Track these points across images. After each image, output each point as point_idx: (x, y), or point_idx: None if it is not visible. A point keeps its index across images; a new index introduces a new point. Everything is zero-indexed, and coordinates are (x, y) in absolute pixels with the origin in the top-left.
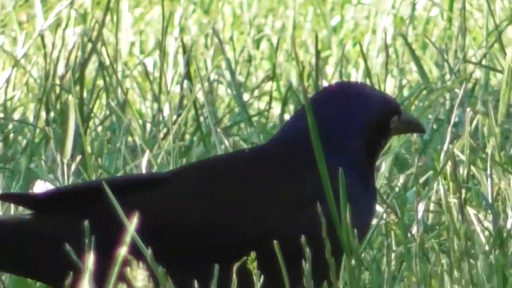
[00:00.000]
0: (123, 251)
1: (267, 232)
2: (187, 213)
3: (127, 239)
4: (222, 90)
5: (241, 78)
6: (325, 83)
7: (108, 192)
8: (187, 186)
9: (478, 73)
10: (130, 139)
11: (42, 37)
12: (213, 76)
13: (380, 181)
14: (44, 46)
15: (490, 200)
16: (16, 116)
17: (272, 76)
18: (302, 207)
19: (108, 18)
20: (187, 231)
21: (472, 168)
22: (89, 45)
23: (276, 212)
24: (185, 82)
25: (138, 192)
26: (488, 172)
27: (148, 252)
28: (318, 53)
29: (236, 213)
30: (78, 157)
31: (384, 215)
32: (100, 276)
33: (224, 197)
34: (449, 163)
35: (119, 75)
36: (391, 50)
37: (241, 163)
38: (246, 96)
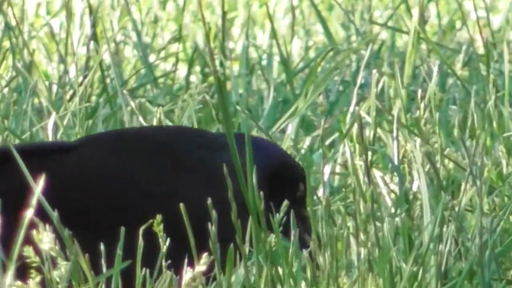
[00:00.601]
0: (29, 213)
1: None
2: (94, 178)
3: (34, 201)
4: (129, 51)
5: (147, 40)
6: (231, 45)
7: (16, 155)
8: (96, 153)
9: (384, 35)
10: (36, 100)
11: None
12: (119, 37)
13: (286, 143)
14: None
15: (396, 163)
16: None
17: (179, 37)
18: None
19: None
20: (92, 196)
21: (378, 130)
22: None
23: (185, 184)
24: (92, 43)
25: (45, 157)
26: (394, 134)
27: (55, 215)
28: (224, 14)
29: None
30: None
31: None
32: (6, 239)
33: (131, 164)
34: (355, 125)
35: (25, 36)
36: (297, 11)
37: (153, 134)
38: (152, 58)
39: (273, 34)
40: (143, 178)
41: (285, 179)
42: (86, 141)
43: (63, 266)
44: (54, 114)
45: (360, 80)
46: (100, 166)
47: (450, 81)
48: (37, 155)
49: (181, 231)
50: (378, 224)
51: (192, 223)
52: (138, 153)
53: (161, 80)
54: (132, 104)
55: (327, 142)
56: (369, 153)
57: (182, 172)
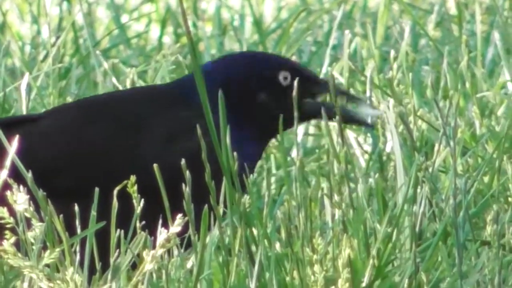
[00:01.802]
0: (3, 174)
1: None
2: (60, 144)
3: (8, 162)
4: (101, 12)
5: (120, 0)
6: (204, 5)
7: None
8: (61, 120)
9: None
10: (9, 61)
11: None
12: None
13: None
14: None
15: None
16: None
17: None
18: (175, 139)
19: None
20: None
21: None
22: None
23: (149, 144)
24: (64, 3)
25: (13, 127)
26: (367, 94)
27: (29, 176)
28: None
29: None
30: None
31: None
32: None
33: (96, 129)
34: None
35: None
36: None
37: (121, 100)
38: (125, 18)
39: None
40: (103, 141)
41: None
42: (50, 112)
43: (38, 227)
44: (27, 74)
45: (332, 40)
46: (63, 133)
47: (423, 41)
48: (4, 125)
49: (151, 191)
50: (352, 185)
51: (157, 182)
52: (96, 119)
53: (134, 40)
54: (105, 64)
55: None
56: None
57: (139, 133)
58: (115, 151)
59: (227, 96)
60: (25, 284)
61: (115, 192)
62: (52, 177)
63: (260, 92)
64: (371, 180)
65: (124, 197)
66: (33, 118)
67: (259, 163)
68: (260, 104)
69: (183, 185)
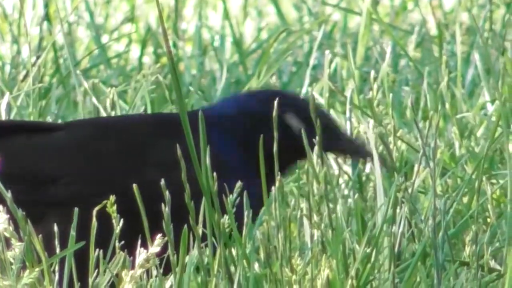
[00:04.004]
0: None
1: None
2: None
3: None
4: (82, 32)
5: (100, 20)
6: (184, 25)
7: None
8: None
9: (337, 16)
10: None
11: None
12: (72, 17)
13: None
14: None
15: None
16: None
17: (131, 18)
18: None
19: None
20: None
21: (331, 111)
22: None
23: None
24: (44, 23)
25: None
26: (347, 115)
27: (8, 196)
28: None
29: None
30: None
31: None
32: None
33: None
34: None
35: None
36: None
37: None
38: (105, 38)
39: (226, 15)
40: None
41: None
42: (68, 124)
43: (17, 247)
44: (7, 94)
45: (312, 61)
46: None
47: (403, 62)
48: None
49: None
50: (331, 205)
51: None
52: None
53: (114, 60)
54: (86, 84)
55: None
56: None
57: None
58: (118, 171)
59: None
60: None
61: (95, 212)
62: (53, 185)
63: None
64: (350, 200)
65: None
66: (50, 127)
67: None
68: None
69: (163, 206)
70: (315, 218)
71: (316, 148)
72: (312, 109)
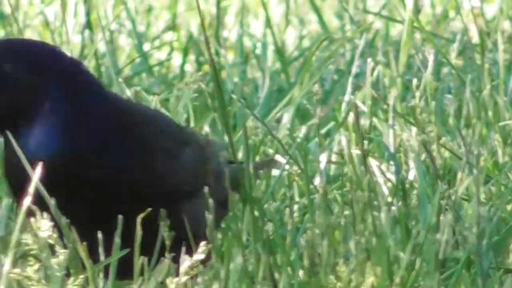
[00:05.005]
0: (27, 201)
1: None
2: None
3: (31, 189)
4: (123, 40)
5: (141, 28)
6: (225, 33)
7: (13, 141)
8: None
9: (378, 24)
10: None
11: None
12: (113, 25)
13: (282, 132)
14: None
15: (392, 151)
16: None
17: (173, 26)
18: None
19: None
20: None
21: (374, 119)
22: None
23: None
24: (86, 31)
25: None
26: (390, 123)
27: (52, 203)
28: (218, 2)
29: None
30: None
31: (287, 166)
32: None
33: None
34: (351, 113)
35: (20, 24)
36: (291, 0)
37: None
38: (147, 46)
39: (267, 23)
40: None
41: None
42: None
43: (62, 254)
44: None
45: (355, 69)
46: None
47: (445, 70)
48: None
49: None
50: (375, 213)
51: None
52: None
53: (156, 68)
54: (128, 92)
55: (323, 131)
56: (365, 142)
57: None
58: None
59: None
60: None
61: (139, 220)
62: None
63: None
64: (394, 208)
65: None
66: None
67: (282, 189)
68: None
69: (206, 212)
70: (359, 225)
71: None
72: None
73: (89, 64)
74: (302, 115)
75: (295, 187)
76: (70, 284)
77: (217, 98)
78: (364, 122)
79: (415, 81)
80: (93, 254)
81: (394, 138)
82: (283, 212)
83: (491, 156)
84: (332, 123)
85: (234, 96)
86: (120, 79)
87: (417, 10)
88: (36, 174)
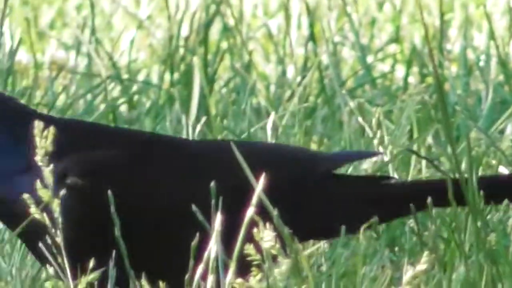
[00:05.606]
0: (250, 212)
1: None
2: None
3: (255, 200)
4: (346, 52)
5: (364, 40)
6: (449, 45)
7: (237, 153)
8: None
9: None
10: (254, 100)
11: None
12: (337, 38)
13: (505, 143)
14: (167, 7)
15: None
16: (141, 77)
17: (396, 38)
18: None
19: None
20: None
21: None
22: (213, 7)
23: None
24: (309, 44)
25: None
26: None
27: (275, 213)
28: (442, 15)
29: None
30: (203, 119)
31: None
32: (227, 237)
33: None
34: None
35: (243, 37)
36: None
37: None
38: (370, 58)
39: (491, 35)
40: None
41: None
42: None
43: (284, 264)
44: (273, 113)
45: None
46: None
47: None
48: None
49: None
50: None
51: None
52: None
53: (379, 80)
54: (351, 104)
55: None
56: None
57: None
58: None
59: None
60: None
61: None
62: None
63: None
64: None
65: None
66: None
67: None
68: None
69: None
70: None
71: None
72: None
73: (313, 76)
74: None
75: None
76: None
77: (440, 109)
78: None
79: None
80: None
81: None
82: (506, 222)
83: None
84: None
85: (457, 108)
86: (343, 91)
87: None
88: (260, 185)
